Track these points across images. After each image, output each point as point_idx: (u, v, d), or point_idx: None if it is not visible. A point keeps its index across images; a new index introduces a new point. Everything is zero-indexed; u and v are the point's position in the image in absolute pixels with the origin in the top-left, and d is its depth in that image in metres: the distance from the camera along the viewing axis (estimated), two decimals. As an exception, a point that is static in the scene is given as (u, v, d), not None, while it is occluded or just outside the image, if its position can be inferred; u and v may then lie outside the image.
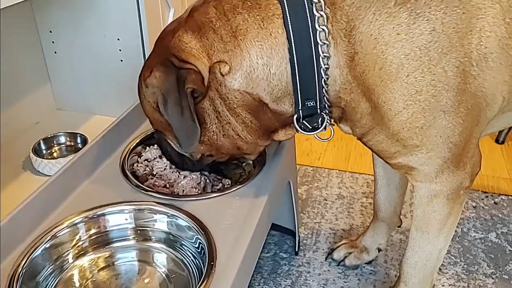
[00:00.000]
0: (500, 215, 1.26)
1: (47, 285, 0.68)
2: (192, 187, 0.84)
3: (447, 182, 0.74)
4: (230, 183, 0.88)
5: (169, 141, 0.80)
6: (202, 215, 0.73)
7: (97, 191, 0.79)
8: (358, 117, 0.71)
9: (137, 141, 0.91)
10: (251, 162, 0.91)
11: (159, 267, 0.73)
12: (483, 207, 1.29)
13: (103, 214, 0.73)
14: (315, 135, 0.76)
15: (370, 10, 0.63)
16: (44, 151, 1.28)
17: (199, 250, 0.71)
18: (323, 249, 1.15)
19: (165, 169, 0.86)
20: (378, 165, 1.00)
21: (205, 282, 0.62)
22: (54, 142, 1.31)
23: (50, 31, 1.39)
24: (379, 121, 0.69)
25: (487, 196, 1.33)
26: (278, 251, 1.14)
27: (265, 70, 0.69)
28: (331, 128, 0.76)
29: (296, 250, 1.13)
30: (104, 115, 1.46)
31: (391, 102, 0.66)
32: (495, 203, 1.31)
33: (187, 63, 0.69)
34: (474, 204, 1.30)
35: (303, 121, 0.73)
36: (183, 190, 0.83)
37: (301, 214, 1.26)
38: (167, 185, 0.85)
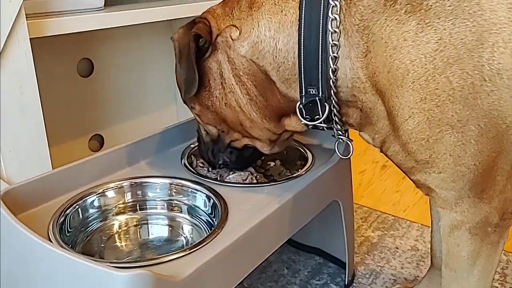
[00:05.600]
0: None
1: (91, 225, 0.81)
2: (236, 181, 0.92)
3: (468, 213, 0.69)
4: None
5: (201, 129, 0.88)
6: (228, 196, 0.82)
7: (157, 165, 0.93)
8: (375, 119, 0.72)
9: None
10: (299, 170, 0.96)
11: (183, 233, 0.83)
12: None
13: (145, 183, 0.87)
14: (336, 148, 0.79)
15: (383, 15, 0.66)
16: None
17: (214, 224, 0.78)
18: (377, 291, 1.11)
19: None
20: (433, 206, 0.95)
21: (203, 242, 0.69)
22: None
23: (183, 60, 1.65)
24: (392, 127, 0.70)
25: None
26: (329, 282, 1.13)
27: (271, 44, 0.73)
28: (350, 145, 0.78)
29: (346, 283, 1.11)
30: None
31: (398, 108, 0.67)
32: None
33: (203, 19, 0.79)
34: None
35: (303, 108, 0.75)
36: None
37: (366, 255, 1.23)
38: (218, 178, 0.95)
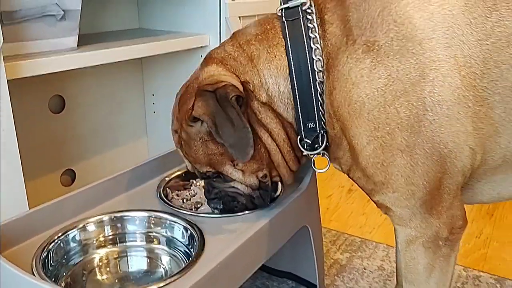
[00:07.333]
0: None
1: (72, 259, 0.84)
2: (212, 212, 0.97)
3: (421, 228, 0.78)
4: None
5: (228, 173, 0.85)
6: (205, 227, 0.86)
7: (134, 198, 0.97)
8: (341, 154, 0.80)
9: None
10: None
11: (162, 264, 0.86)
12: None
13: (124, 217, 0.90)
14: (312, 163, 0.86)
15: (345, 53, 0.75)
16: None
17: (192, 254, 0.82)
18: (347, 311, 1.16)
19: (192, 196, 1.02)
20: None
21: (181, 273, 0.73)
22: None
23: (153, 95, 1.70)
24: (354, 158, 0.78)
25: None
26: (302, 304, 1.18)
27: (276, 88, 0.81)
28: (327, 158, 0.85)
29: (317, 305, 1.16)
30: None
31: (357, 137, 0.75)
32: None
33: (220, 83, 0.79)
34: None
35: (305, 142, 0.82)
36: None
37: (336, 277, 1.28)
38: (193, 209, 0.99)
